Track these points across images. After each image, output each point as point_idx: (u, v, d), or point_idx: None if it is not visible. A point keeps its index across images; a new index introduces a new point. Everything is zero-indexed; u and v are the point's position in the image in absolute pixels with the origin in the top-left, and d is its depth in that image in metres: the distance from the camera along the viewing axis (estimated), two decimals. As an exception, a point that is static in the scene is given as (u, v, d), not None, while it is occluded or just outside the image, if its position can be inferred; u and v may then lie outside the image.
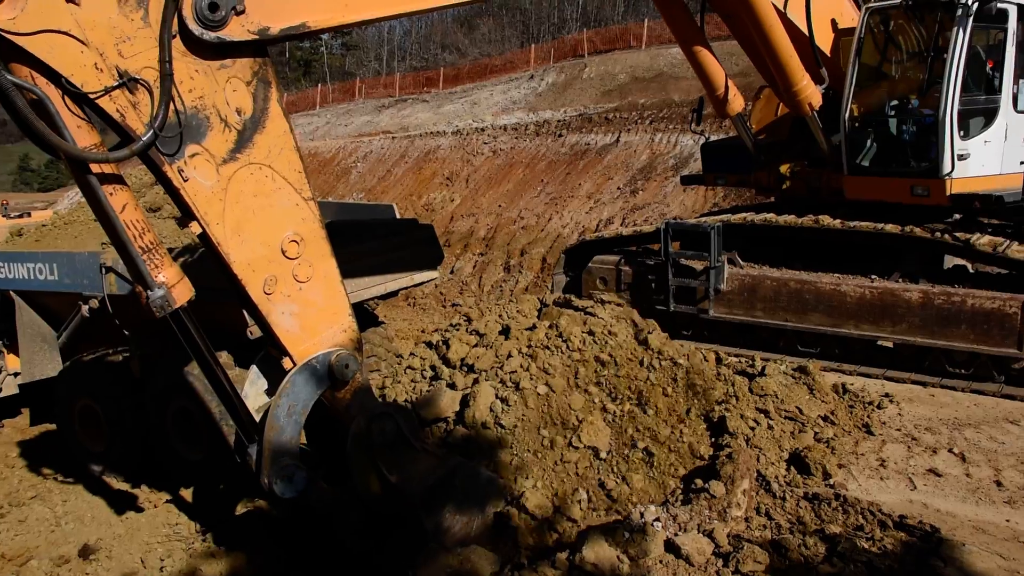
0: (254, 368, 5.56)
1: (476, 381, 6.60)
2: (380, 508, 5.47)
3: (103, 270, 8.67)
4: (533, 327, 7.18)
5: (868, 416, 7.72)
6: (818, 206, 10.15)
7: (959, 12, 8.78)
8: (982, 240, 8.73)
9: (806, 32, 9.65)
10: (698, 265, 10.29)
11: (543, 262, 21.68)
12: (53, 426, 10.29)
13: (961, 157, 8.96)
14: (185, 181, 4.55)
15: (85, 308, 9.12)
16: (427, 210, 28.95)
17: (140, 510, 8.44)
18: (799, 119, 10.52)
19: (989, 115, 9.19)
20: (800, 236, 9.99)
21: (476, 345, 7.21)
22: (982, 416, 7.92)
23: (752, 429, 6.73)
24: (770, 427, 6.86)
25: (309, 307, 5.16)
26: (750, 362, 8.08)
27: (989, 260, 8.86)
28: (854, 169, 9.88)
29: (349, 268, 9.05)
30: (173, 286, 4.68)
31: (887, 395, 8.36)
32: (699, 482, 5.79)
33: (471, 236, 25.64)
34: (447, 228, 26.65)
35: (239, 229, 4.79)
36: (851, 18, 10.10)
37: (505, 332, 7.21)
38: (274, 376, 5.33)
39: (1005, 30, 9.08)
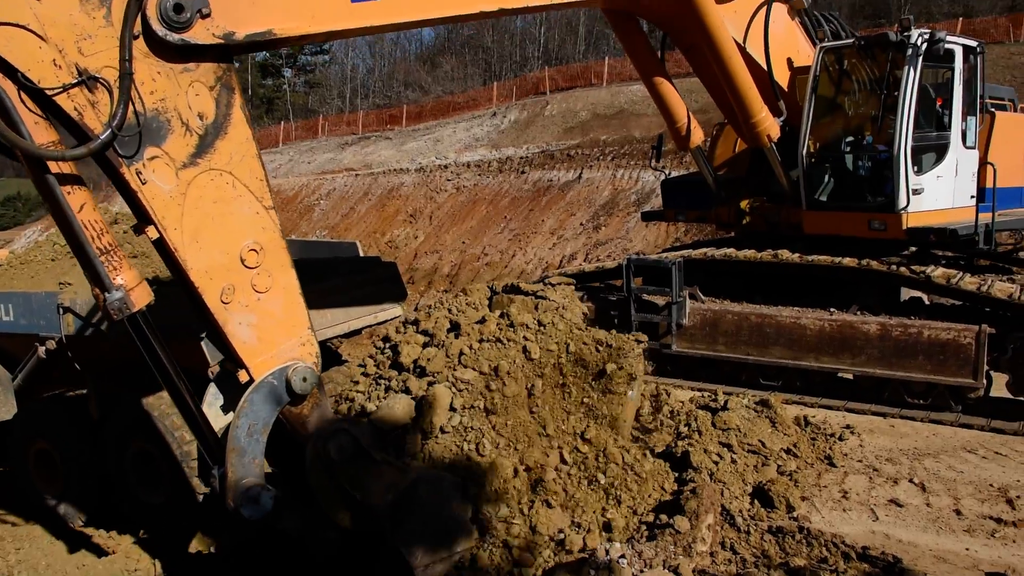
0: (212, 387, 5.38)
1: (431, 384, 6.29)
2: (352, 527, 5.36)
3: (60, 310, 8.53)
4: (483, 319, 6.89)
5: (830, 448, 7.79)
6: (777, 240, 10.31)
7: (909, 52, 9.05)
8: (936, 272, 8.91)
9: (764, 67, 9.90)
10: (660, 300, 10.38)
11: (507, 298, 21.68)
12: (3, 469, 10.05)
13: (916, 192, 9.17)
14: (143, 184, 4.46)
15: (42, 349, 8.95)
16: (391, 247, 28.93)
17: (98, 555, 8.25)
18: (757, 154, 10.71)
19: (940, 151, 9.43)
20: (760, 270, 10.13)
21: (426, 345, 6.87)
22: (941, 446, 8.03)
23: (716, 463, 6.76)
24: (733, 461, 6.89)
25: (267, 318, 5.02)
26: (713, 396, 8.13)
27: (944, 292, 9.05)
28: (812, 204, 10.06)
29: (312, 306, 9.00)
30: (131, 289, 4.54)
31: (848, 427, 8.45)
32: (664, 518, 5.79)
33: (435, 273, 25.64)
34: (411, 265, 26.64)
35: (197, 235, 4.67)
36: (807, 56, 10.33)
37: (455, 328, 6.90)
38: (232, 394, 5.17)
39: (952, 69, 9.35)
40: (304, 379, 5.08)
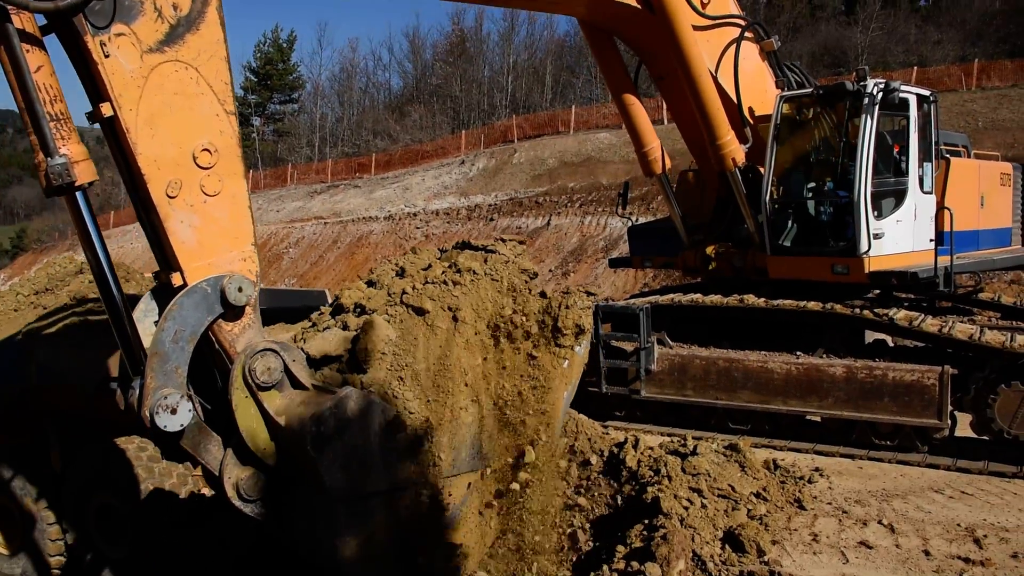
0: (146, 297, 5.06)
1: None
2: (272, 459, 4.97)
3: (22, 361, 8.43)
4: (429, 266, 6.44)
5: (799, 491, 7.82)
6: (743, 285, 10.43)
7: (866, 101, 9.31)
8: (899, 315, 9.06)
9: (733, 97, 10.26)
10: (628, 346, 10.43)
11: (477, 345, 21.66)
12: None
13: (876, 236, 9.36)
14: (106, 57, 4.33)
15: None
16: (360, 295, 28.83)
17: (58, 615, 8.04)
18: (721, 201, 10.90)
19: (899, 196, 9.66)
20: (727, 315, 10.22)
21: (370, 287, 6.40)
22: (909, 486, 8.10)
23: (686, 509, 6.75)
24: (704, 506, 6.89)
25: (211, 223, 4.85)
26: (682, 441, 8.15)
27: (907, 334, 9.19)
28: (776, 249, 10.22)
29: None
30: (76, 163, 4.33)
31: (817, 469, 8.50)
32: (635, 564, 5.77)
33: (405, 320, 25.55)
34: (380, 313, 26.54)
35: (152, 122, 4.55)
36: (774, 98, 10.55)
37: (400, 273, 6.47)
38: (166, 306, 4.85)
39: (908, 117, 9.61)
40: (240, 289, 4.84)
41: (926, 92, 10.05)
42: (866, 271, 9.40)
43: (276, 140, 74.58)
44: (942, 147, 10.55)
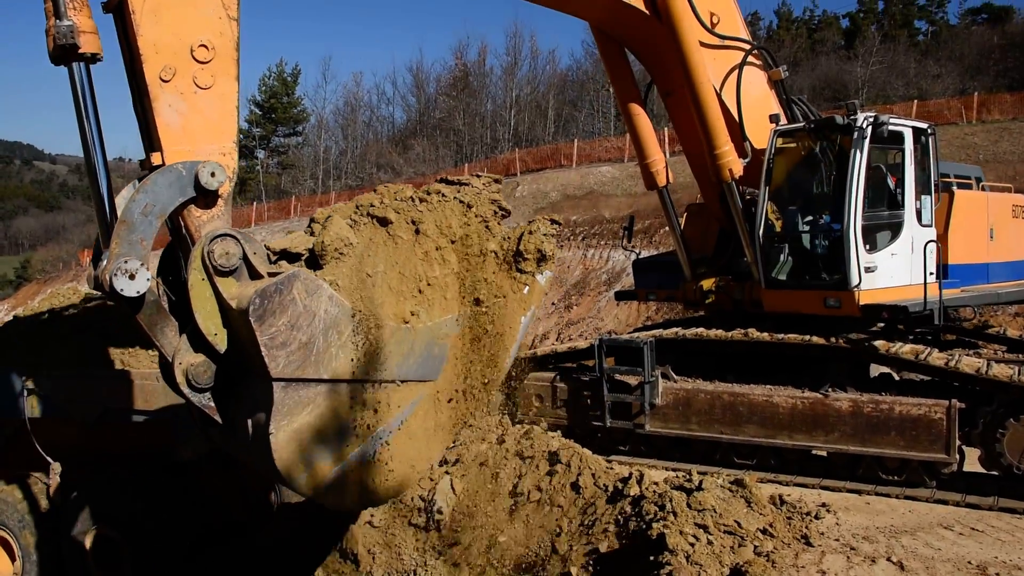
0: (129, 185, 5.28)
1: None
2: (223, 346, 4.99)
3: (23, 393, 8.40)
4: (403, 192, 6.22)
5: (806, 527, 7.72)
6: (747, 319, 10.39)
7: (855, 135, 9.35)
8: (905, 349, 9.00)
9: (735, 115, 10.35)
10: (633, 380, 10.36)
11: (480, 378, 21.56)
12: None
13: (869, 270, 9.34)
14: None
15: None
16: (362, 327, 28.81)
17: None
18: (724, 233, 10.90)
19: (895, 229, 9.64)
20: (731, 349, 10.17)
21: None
22: (917, 523, 8.00)
23: (692, 545, 6.66)
24: (710, 542, 6.80)
25: (197, 114, 5.12)
26: (687, 476, 8.07)
27: (913, 368, 9.13)
28: (770, 283, 10.21)
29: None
30: (83, 32, 4.62)
31: (824, 505, 8.39)
32: (641, 602, 5.68)
33: (407, 353, 25.49)
34: (383, 345, 26.50)
35: (157, 10, 4.87)
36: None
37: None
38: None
39: (903, 150, 9.62)
40: (212, 174, 5.01)
41: (923, 125, 10.08)
42: (858, 304, 9.35)
43: (280, 172, 74.93)
44: (950, 179, 10.56)
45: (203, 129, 5.16)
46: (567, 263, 26.77)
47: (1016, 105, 36.51)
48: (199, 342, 5.07)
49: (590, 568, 6.61)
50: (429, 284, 5.49)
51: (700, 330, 10.45)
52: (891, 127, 9.50)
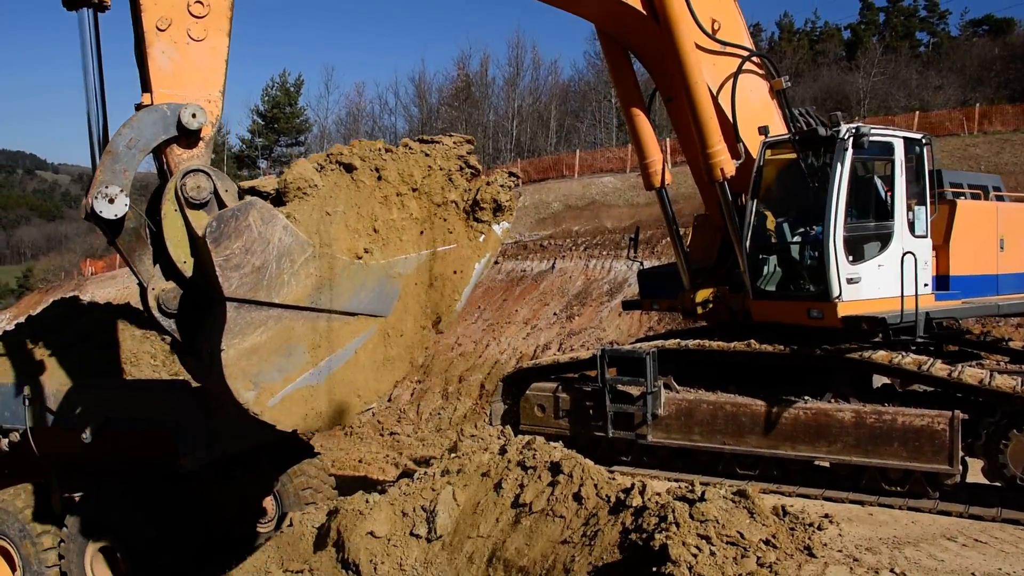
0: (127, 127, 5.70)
1: None
2: (190, 274, 5.43)
3: (26, 402, 8.42)
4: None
5: (809, 538, 7.68)
6: (746, 329, 10.38)
7: (837, 146, 9.39)
8: (908, 360, 8.98)
9: (730, 117, 10.42)
10: (635, 391, 10.34)
11: (481, 389, 21.60)
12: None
13: (851, 281, 9.34)
14: None
15: (4, 441, 8.79)
16: (364, 337, 28.79)
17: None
18: (726, 243, 10.89)
19: (884, 240, 9.63)
20: (734, 359, 10.15)
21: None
22: (920, 534, 7.97)
23: (694, 556, 6.64)
24: (712, 553, 6.77)
25: (188, 62, 5.65)
26: (690, 487, 8.05)
27: (916, 379, 9.11)
28: (758, 293, 10.28)
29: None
30: None
31: (827, 516, 8.36)
32: (644, 614, 5.66)
33: (409, 363, 25.45)
34: (384, 355, 26.45)
35: None
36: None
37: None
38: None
39: (893, 160, 9.62)
40: (194, 115, 5.51)
41: (917, 135, 10.07)
42: (839, 316, 9.36)
43: (282, 183, 74.95)
44: (964, 189, 10.52)
45: (192, 78, 5.68)
46: (569, 273, 26.77)
47: (1017, 116, 36.55)
48: (170, 270, 5.59)
49: (592, 579, 6.59)
50: (385, 226, 5.77)
51: (702, 341, 10.44)
52: (874, 138, 9.49)
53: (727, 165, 10.26)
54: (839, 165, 9.37)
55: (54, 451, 8.57)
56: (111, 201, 5.29)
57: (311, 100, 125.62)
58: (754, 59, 10.67)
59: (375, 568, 7.41)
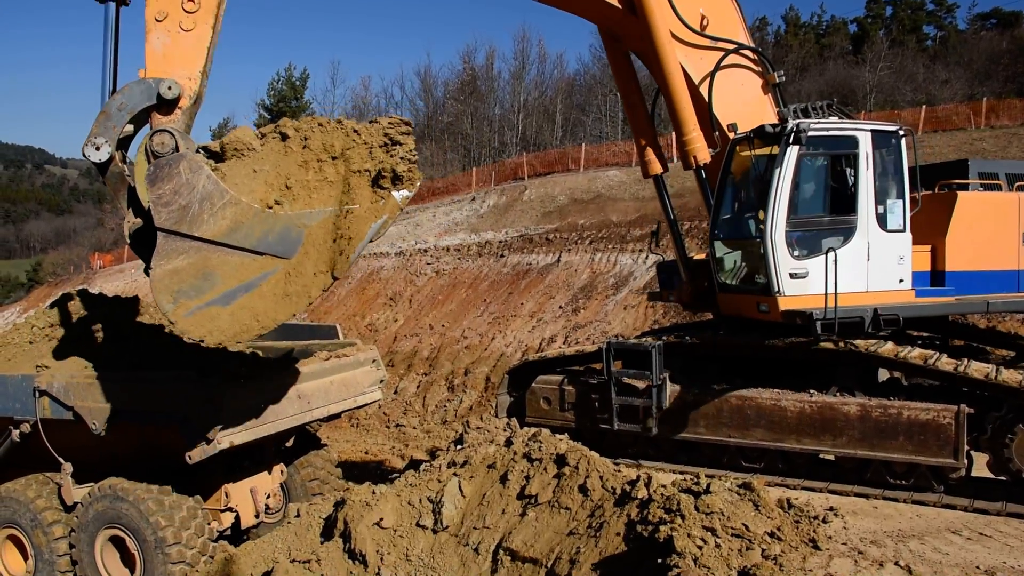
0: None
1: None
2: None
3: (36, 394, 8.47)
4: None
5: (814, 531, 7.71)
6: (749, 323, 10.36)
7: (782, 142, 9.40)
8: (914, 353, 8.99)
9: (715, 110, 10.60)
10: (640, 384, 10.37)
11: (487, 381, 21.62)
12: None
13: (796, 275, 9.34)
14: None
15: (16, 433, 8.85)
16: (370, 330, 28.86)
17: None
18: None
19: (845, 234, 9.52)
20: (739, 353, 10.17)
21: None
22: (925, 527, 7.99)
23: (700, 548, 6.67)
24: (717, 545, 6.80)
25: (176, 48, 7.03)
26: (695, 479, 8.08)
27: (921, 372, 9.10)
28: (721, 286, 10.47)
29: (293, 391, 8.97)
30: None
31: (832, 509, 8.38)
32: (649, 604, 5.69)
33: (414, 356, 25.54)
34: (390, 348, 26.54)
35: None
36: None
37: None
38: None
39: (856, 154, 9.52)
40: (169, 88, 6.89)
41: (891, 127, 9.89)
42: (780, 310, 9.41)
43: (288, 176, 75.00)
44: (999, 180, 10.29)
45: (177, 59, 7.05)
46: (574, 267, 26.76)
47: (1025, 111, 36.38)
48: (138, 208, 7.01)
49: (598, 570, 6.62)
50: (299, 184, 6.74)
51: (707, 334, 10.46)
52: (816, 134, 9.44)
53: (701, 152, 10.51)
54: (782, 160, 9.37)
55: (64, 442, 8.62)
56: (98, 149, 6.98)
57: (317, 94, 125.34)
58: (745, 53, 10.64)
59: (382, 558, 7.46)
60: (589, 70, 71.12)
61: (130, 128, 7.20)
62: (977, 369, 8.67)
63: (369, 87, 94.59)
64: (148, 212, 6.63)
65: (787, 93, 10.93)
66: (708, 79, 10.54)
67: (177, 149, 6.72)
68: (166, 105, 6.94)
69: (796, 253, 9.39)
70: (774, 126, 9.61)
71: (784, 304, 9.34)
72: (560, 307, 24.55)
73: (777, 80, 10.72)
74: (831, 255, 9.18)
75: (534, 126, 65.90)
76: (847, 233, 9.52)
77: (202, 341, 6.57)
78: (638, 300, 23.01)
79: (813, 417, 9.31)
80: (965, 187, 10.40)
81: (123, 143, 7.26)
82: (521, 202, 37.74)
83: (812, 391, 9.45)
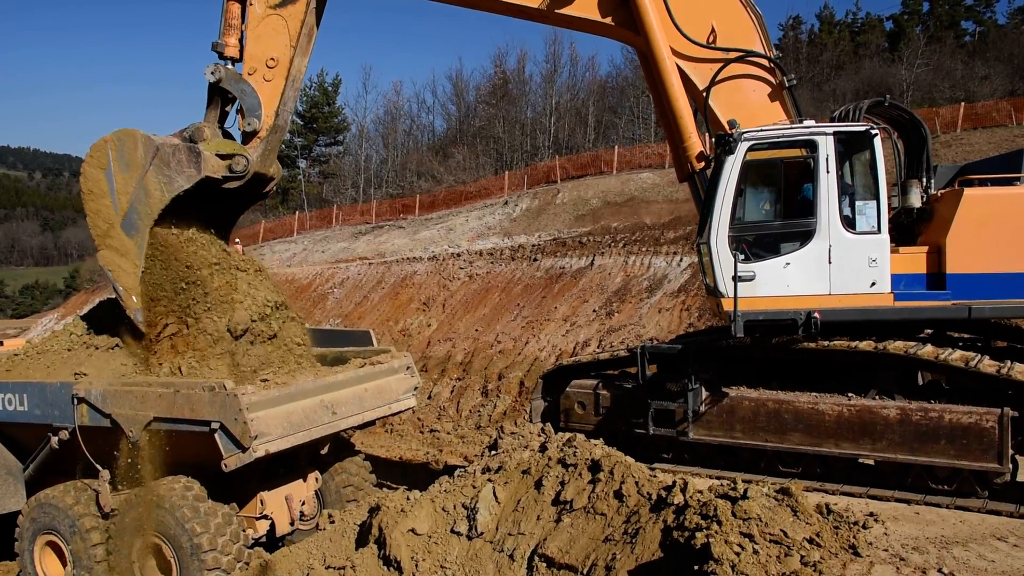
0: None
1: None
2: None
3: (75, 401, 8.58)
4: None
5: (854, 537, 7.58)
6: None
7: (725, 148, 9.47)
8: (955, 356, 8.81)
9: (720, 118, 10.46)
10: (675, 387, 10.28)
11: (521, 386, 21.60)
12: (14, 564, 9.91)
13: (743, 279, 9.28)
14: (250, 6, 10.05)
15: (55, 440, 8.97)
16: (404, 335, 28.95)
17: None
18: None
19: (802, 237, 9.40)
20: (775, 356, 10.04)
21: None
22: (969, 533, 7.82)
23: (737, 555, 6.58)
24: (755, 552, 6.71)
25: (261, 92, 9.93)
26: (732, 484, 7.98)
27: (963, 375, 8.91)
28: (707, 289, 10.41)
29: (327, 398, 8.99)
30: (228, 46, 10.00)
31: (872, 514, 8.25)
32: (686, 612, 5.62)
33: (448, 361, 25.58)
34: (424, 353, 26.60)
35: (259, 38, 9.99)
36: None
37: None
38: None
39: (816, 157, 9.34)
40: (249, 123, 9.95)
41: (859, 128, 9.52)
42: (724, 311, 9.50)
43: (321, 182, 75.64)
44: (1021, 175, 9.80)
45: (263, 100, 9.90)
46: (608, 270, 26.66)
47: (1067, 106, 35.70)
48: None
49: (634, 577, 6.56)
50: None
51: (743, 337, 10.33)
52: (753, 142, 9.47)
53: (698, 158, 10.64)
54: (725, 166, 9.47)
55: (102, 449, 8.71)
56: (212, 73, 9.82)
57: (349, 100, 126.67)
58: (753, 60, 10.48)
59: (416, 565, 7.46)
60: (621, 72, 70.97)
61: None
62: (1021, 371, 8.47)
63: (401, 92, 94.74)
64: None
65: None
66: (719, 89, 10.48)
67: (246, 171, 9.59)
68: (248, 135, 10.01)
69: (743, 256, 9.41)
70: (720, 135, 9.68)
71: (728, 306, 9.42)
72: (594, 311, 24.46)
73: (787, 84, 10.54)
74: (781, 259, 9.40)
75: (566, 129, 65.81)
76: (803, 236, 9.40)
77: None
78: (672, 303, 22.87)
79: (852, 421, 9.16)
80: (984, 183, 9.69)
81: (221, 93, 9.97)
82: (554, 205, 37.70)
83: (851, 394, 9.31)
